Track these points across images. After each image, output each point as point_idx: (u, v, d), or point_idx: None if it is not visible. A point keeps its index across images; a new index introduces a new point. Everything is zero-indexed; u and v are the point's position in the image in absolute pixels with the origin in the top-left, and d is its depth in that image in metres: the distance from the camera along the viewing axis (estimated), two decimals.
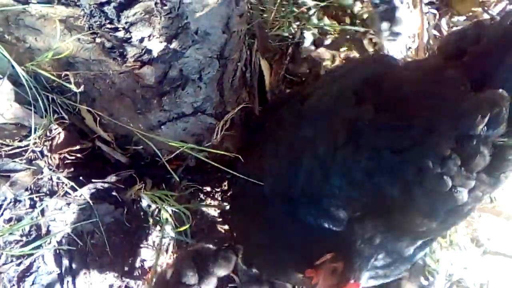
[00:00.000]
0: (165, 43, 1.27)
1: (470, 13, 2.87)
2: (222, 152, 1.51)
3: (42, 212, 1.44)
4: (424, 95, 1.20)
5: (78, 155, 1.54)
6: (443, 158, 1.09)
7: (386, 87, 1.29)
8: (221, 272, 1.39)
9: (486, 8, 2.83)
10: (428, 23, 2.76)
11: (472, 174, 1.11)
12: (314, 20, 2.10)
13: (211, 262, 1.38)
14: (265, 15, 1.99)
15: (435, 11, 2.81)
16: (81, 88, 1.38)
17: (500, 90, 1.07)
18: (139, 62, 1.32)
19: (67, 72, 1.34)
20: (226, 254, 1.40)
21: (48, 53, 1.22)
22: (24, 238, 1.43)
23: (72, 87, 1.36)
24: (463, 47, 1.24)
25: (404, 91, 1.25)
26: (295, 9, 2.03)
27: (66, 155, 1.52)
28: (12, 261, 1.40)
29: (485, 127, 1.06)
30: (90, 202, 1.51)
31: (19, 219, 1.42)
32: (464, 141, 1.08)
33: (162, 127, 1.56)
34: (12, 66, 1.30)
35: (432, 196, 1.13)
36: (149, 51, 1.29)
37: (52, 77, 1.32)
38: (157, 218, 1.60)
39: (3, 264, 1.39)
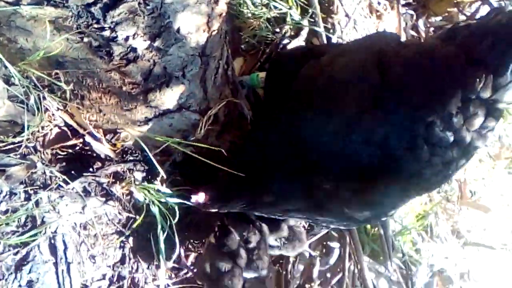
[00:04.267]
0: (149, 41, 1.35)
1: (446, 14, 2.99)
2: (207, 146, 1.59)
3: (37, 204, 1.50)
4: (426, 67, 1.38)
5: (70, 150, 1.61)
6: (450, 116, 1.29)
7: (395, 60, 1.44)
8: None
9: (461, 9, 2.95)
10: (406, 23, 2.87)
11: (469, 132, 1.32)
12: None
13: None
14: (242, 17, 2.11)
15: (412, 12, 2.91)
16: (71, 86, 1.46)
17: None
18: (125, 60, 1.40)
19: (57, 71, 1.42)
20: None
21: (39, 53, 1.28)
22: (20, 229, 1.49)
23: (62, 85, 1.44)
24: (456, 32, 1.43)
25: (410, 63, 1.41)
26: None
27: (58, 150, 1.59)
28: (9, 250, 1.46)
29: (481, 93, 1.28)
30: (82, 195, 1.58)
31: (15, 211, 1.48)
32: (466, 104, 1.29)
33: (149, 122, 1.63)
34: (5, 66, 1.38)
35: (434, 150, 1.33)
36: (134, 49, 1.37)
37: (43, 76, 1.39)
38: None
39: (1, 253, 1.45)
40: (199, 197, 1.57)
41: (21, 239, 1.43)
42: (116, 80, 1.47)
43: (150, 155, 1.61)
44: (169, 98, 1.57)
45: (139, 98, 1.54)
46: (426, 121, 1.31)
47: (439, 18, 2.96)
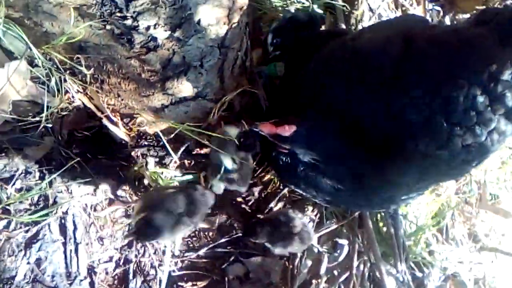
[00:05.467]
0: (169, 32, 1.36)
1: (474, 11, 2.91)
2: (220, 136, 1.61)
3: (50, 184, 1.54)
4: (454, 44, 1.33)
5: (86, 133, 1.64)
6: (474, 94, 1.23)
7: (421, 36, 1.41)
8: None
9: (490, 6, 2.87)
10: (432, 19, 2.81)
11: (495, 115, 1.24)
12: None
13: None
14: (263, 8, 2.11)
15: (439, 8, 2.85)
16: (91, 71, 1.48)
17: None
18: (145, 48, 1.42)
19: (79, 56, 1.45)
20: None
21: (63, 37, 1.31)
22: (32, 207, 1.53)
23: (83, 69, 1.47)
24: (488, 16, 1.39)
25: (436, 39, 1.38)
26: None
27: (75, 132, 1.63)
28: (20, 227, 1.51)
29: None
30: (95, 177, 1.61)
31: (29, 189, 1.53)
32: (493, 83, 1.22)
33: (165, 109, 1.66)
34: (29, 48, 1.40)
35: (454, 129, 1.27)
36: (154, 39, 1.39)
37: (65, 59, 1.42)
38: None
39: (13, 230, 1.50)
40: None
41: (32, 218, 1.47)
42: (135, 67, 1.50)
43: (164, 140, 1.62)
44: (186, 86, 1.59)
45: (157, 85, 1.56)
46: (448, 98, 1.25)
47: (466, 15, 2.89)
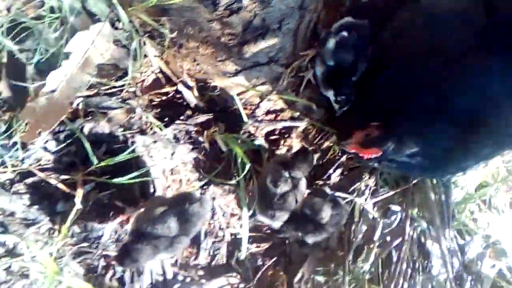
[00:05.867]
0: None
1: None
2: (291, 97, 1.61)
3: (133, 149, 1.57)
4: None
5: (163, 97, 1.66)
6: None
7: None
8: None
9: None
10: None
11: None
12: None
13: None
14: None
15: None
16: (175, 34, 1.49)
17: None
18: (228, 10, 1.43)
19: (164, 18, 1.46)
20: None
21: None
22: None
23: (166, 31, 1.48)
24: None
25: None
26: None
27: (153, 97, 1.64)
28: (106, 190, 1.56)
29: None
30: (173, 141, 1.63)
31: (112, 152, 1.55)
32: None
33: (238, 74, 1.66)
34: (114, 10, 1.41)
35: None
36: (239, 1, 1.39)
37: (150, 22, 1.43)
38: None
39: (99, 192, 1.54)
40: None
41: (122, 180, 1.49)
42: (216, 30, 1.50)
43: (239, 102, 1.63)
44: (262, 50, 1.59)
45: (234, 49, 1.57)
46: None
47: None
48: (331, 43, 1.57)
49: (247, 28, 1.50)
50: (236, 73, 1.66)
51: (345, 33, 1.57)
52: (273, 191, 1.56)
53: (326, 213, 1.62)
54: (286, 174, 1.57)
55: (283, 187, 1.56)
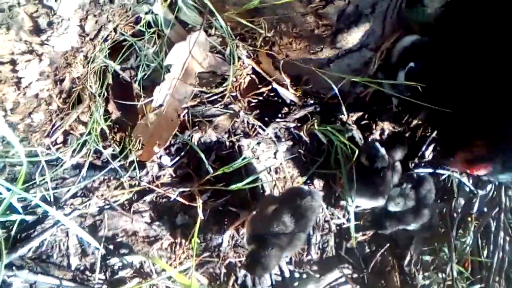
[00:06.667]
0: None
1: None
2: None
3: (240, 151, 1.56)
4: None
5: (259, 98, 1.65)
6: None
7: None
8: None
9: None
10: None
11: None
12: None
13: None
14: None
15: None
16: (271, 33, 1.47)
17: None
18: (323, 1, 1.40)
19: (255, 19, 1.44)
20: None
21: (254, 2, 1.30)
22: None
23: (261, 31, 1.46)
24: None
25: None
26: None
27: (251, 98, 1.63)
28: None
29: None
30: (275, 140, 1.62)
31: (221, 159, 1.55)
32: None
33: (330, 64, 1.64)
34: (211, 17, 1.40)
35: None
36: None
37: (248, 24, 1.41)
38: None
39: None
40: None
41: (237, 186, 1.48)
42: (310, 24, 1.48)
43: (338, 93, 1.60)
44: (354, 37, 1.56)
45: (327, 40, 1.54)
46: None
47: None
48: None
49: (340, 16, 1.47)
50: (328, 63, 1.64)
51: None
52: (370, 168, 1.55)
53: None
54: (382, 150, 1.56)
55: (379, 163, 1.55)
